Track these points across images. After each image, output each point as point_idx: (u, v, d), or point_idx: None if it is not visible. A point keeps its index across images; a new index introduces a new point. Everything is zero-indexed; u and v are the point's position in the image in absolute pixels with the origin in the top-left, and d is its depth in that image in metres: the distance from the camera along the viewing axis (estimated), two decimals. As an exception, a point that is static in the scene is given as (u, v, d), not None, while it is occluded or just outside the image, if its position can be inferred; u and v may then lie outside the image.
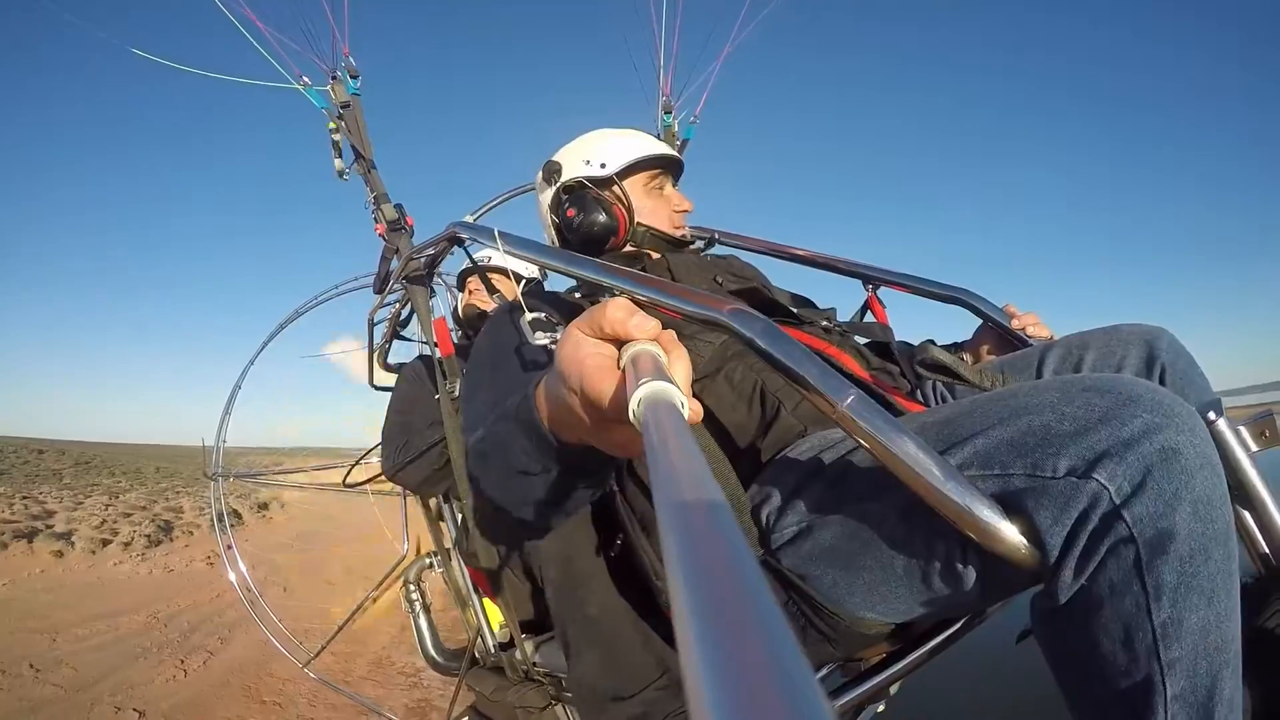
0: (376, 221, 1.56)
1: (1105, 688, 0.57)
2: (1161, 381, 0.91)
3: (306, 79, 1.51)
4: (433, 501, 2.25)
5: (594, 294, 1.16)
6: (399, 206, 1.55)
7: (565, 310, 1.11)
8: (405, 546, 2.26)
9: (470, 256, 1.36)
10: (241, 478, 2.64)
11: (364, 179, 1.55)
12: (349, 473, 2.19)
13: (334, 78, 1.48)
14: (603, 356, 0.47)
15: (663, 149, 1.28)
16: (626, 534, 0.96)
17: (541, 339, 0.77)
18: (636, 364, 0.42)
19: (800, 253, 1.56)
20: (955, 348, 1.28)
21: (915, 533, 0.67)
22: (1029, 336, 1.18)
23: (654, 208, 1.26)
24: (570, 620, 1.06)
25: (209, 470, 2.50)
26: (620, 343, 0.47)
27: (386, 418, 1.96)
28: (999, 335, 1.23)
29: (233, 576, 2.48)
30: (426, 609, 2.11)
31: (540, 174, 1.32)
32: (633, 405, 0.36)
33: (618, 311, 0.47)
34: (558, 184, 1.27)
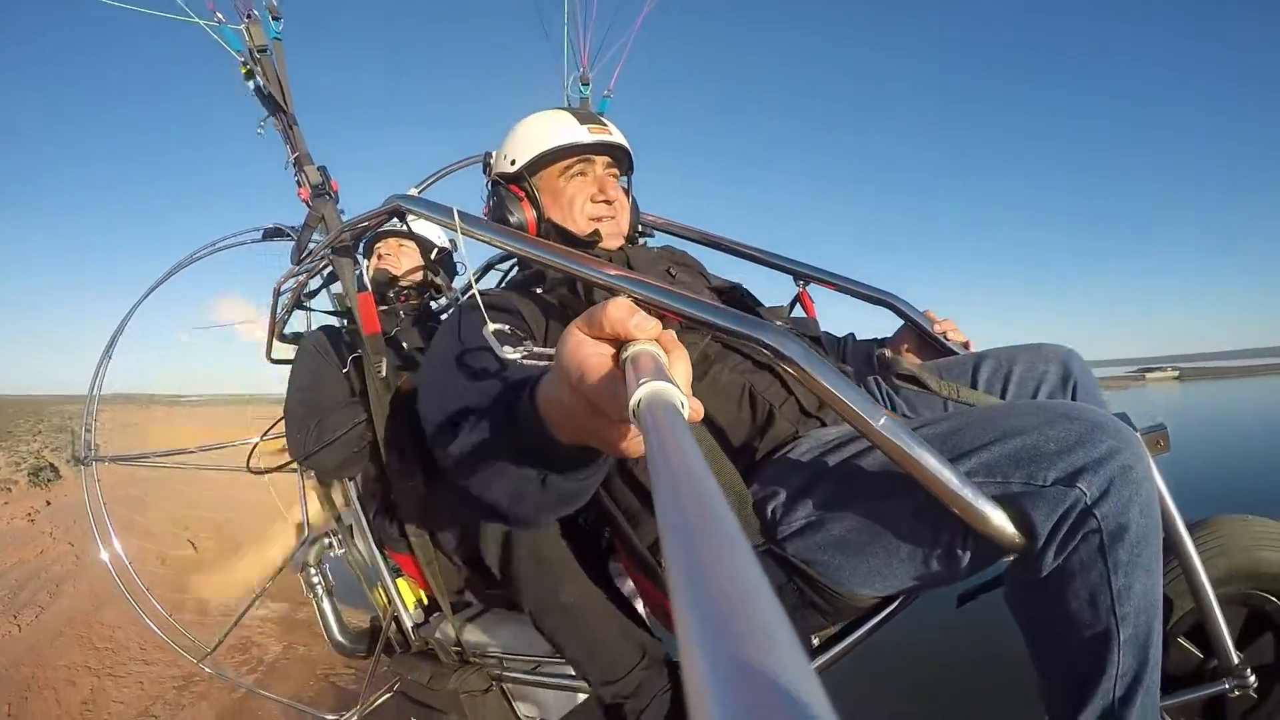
0: (299, 185, 1.40)
1: (1074, 637, 0.76)
2: (1074, 394, 1.13)
3: (220, 16, 1.29)
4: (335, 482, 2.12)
5: (553, 288, 1.16)
6: (323, 169, 1.41)
7: (515, 312, 1.09)
8: (306, 530, 2.11)
9: (411, 231, 1.28)
10: (119, 461, 2.26)
11: (283, 136, 1.38)
12: (251, 455, 1.99)
13: (249, 16, 1.29)
14: (602, 356, 0.47)
15: (572, 136, 1.18)
16: (613, 526, 1.00)
17: (510, 354, 0.78)
18: (637, 363, 0.42)
19: (735, 245, 1.63)
20: (879, 343, 1.42)
21: (924, 527, 0.81)
22: (947, 340, 1.35)
23: (566, 203, 1.20)
24: (547, 610, 1.08)
25: (77, 452, 2.14)
26: (620, 342, 0.48)
27: (289, 395, 1.79)
28: (918, 336, 1.38)
29: (104, 556, 2.15)
30: (330, 592, 2.00)
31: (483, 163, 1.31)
32: (632, 405, 0.36)
33: (619, 311, 0.47)
34: (488, 177, 1.27)
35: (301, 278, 1.60)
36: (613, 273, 0.93)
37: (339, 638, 1.95)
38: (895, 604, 0.94)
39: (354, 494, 1.90)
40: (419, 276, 2.05)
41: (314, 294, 1.80)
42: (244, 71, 1.33)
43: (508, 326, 0.83)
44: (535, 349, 0.86)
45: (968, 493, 0.73)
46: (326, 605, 1.97)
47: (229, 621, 2.35)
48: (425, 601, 1.73)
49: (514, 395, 0.65)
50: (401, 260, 1.97)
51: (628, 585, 1.34)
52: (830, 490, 0.87)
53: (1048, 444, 0.74)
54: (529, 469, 0.63)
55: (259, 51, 1.29)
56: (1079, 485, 0.72)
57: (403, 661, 1.58)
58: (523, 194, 1.20)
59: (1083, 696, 0.77)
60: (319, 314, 2.10)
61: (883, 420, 0.74)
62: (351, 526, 2.10)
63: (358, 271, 1.43)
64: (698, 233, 1.60)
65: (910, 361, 1.19)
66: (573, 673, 1.51)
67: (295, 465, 1.85)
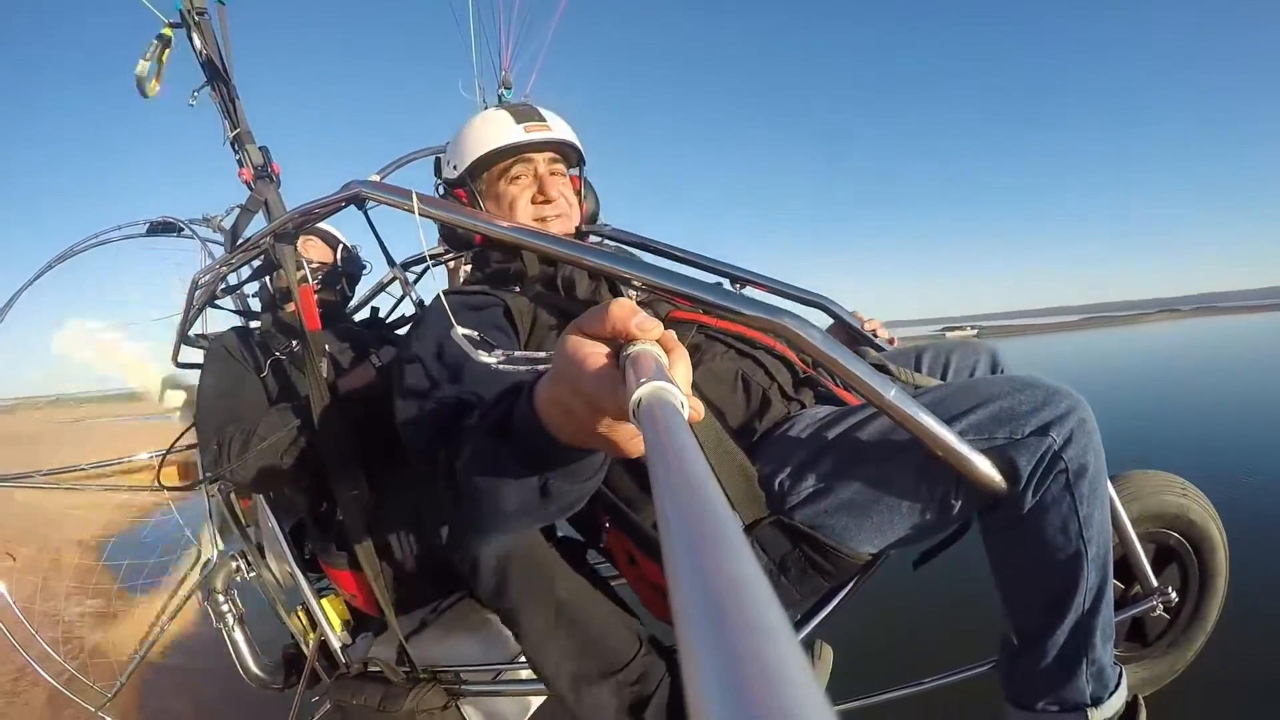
0: (240, 165, 1.26)
1: (1052, 560, 0.92)
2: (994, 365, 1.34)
3: (156, -30, 1.14)
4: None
5: (529, 286, 1.14)
6: (264, 150, 1.28)
7: (499, 304, 1.08)
8: (214, 552, 1.88)
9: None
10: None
11: (222, 109, 1.24)
12: (159, 471, 1.73)
13: (188, -28, 1.14)
14: (602, 356, 0.47)
15: (508, 137, 1.18)
16: (613, 515, 0.99)
17: (486, 358, 0.79)
18: (637, 363, 0.42)
19: (669, 249, 1.65)
20: None
21: (923, 483, 0.92)
22: (875, 338, 1.47)
23: (508, 206, 1.20)
24: (534, 608, 1.05)
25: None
26: (620, 343, 0.48)
27: (202, 402, 1.60)
28: (848, 334, 1.49)
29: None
30: (241, 620, 1.80)
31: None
32: (632, 405, 0.36)
33: (620, 310, 0.47)
34: (439, 182, 1.26)
35: (220, 270, 1.44)
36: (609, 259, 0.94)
37: (254, 669, 1.76)
38: (879, 560, 1.04)
39: (267, 509, 1.73)
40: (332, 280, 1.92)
41: (235, 289, 1.63)
42: (165, 33, 1.18)
43: (477, 333, 0.85)
44: (515, 353, 0.86)
45: (964, 448, 0.86)
46: (239, 634, 1.77)
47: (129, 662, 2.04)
48: (351, 621, 1.61)
49: (511, 398, 0.64)
50: (310, 256, 1.84)
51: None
52: (836, 458, 0.96)
53: (1021, 406, 0.89)
54: (529, 476, 0.62)
55: (198, 14, 1.15)
56: (1050, 434, 0.87)
57: (345, 686, 1.45)
58: (465, 199, 1.20)
59: (1061, 609, 0.92)
60: (227, 315, 1.91)
61: (893, 392, 0.85)
62: (261, 545, 1.91)
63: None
64: (634, 237, 1.61)
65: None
66: (529, 676, 1.46)
67: (210, 480, 1.64)
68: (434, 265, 1.78)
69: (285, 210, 1.30)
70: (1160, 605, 1.19)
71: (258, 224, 1.42)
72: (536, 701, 1.55)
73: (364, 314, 2.04)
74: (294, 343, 1.72)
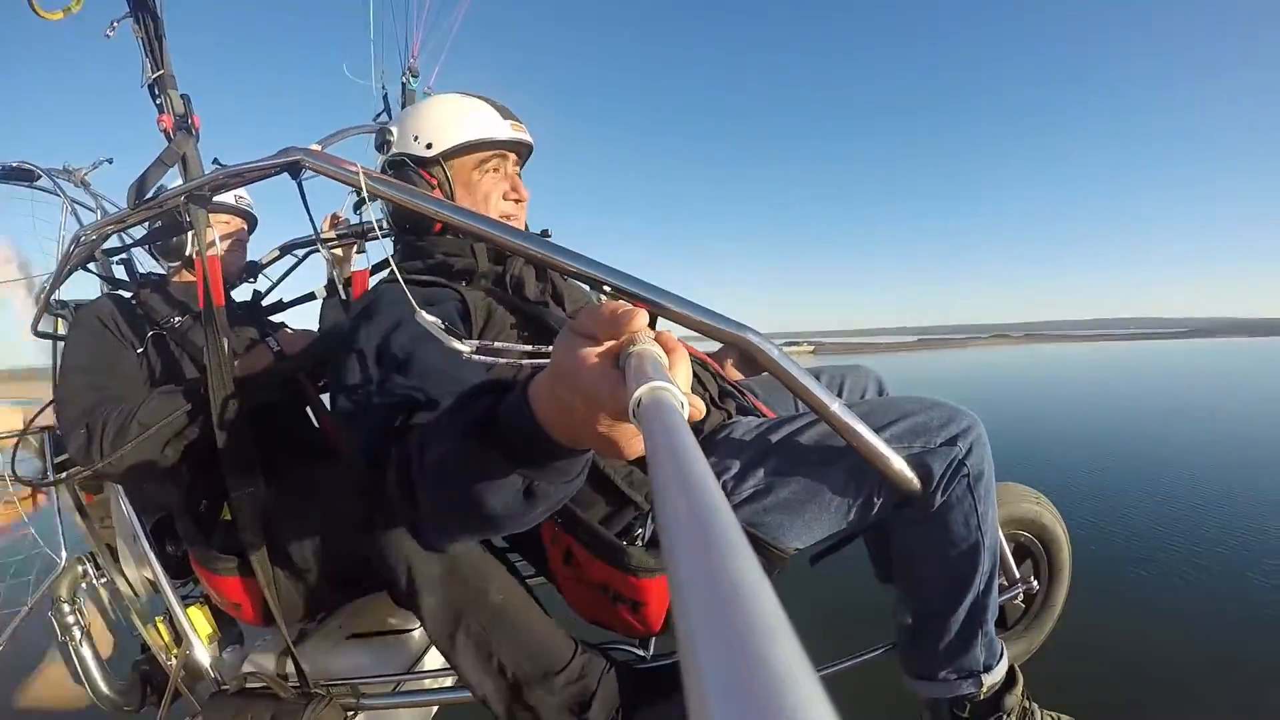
0: (160, 111, 1.12)
1: (956, 549, 1.07)
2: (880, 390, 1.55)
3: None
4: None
5: (476, 282, 1.13)
6: (186, 99, 1.15)
7: (456, 298, 1.07)
8: (64, 554, 1.61)
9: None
10: None
11: (144, 46, 1.09)
12: (14, 458, 1.44)
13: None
14: (601, 356, 0.47)
15: (495, 131, 1.18)
16: (560, 512, 0.99)
17: (459, 345, 0.82)
18: (637, 363, 0.42)
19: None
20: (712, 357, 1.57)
21: (851, 483, 1.04)
22: None
23: (481, 197, 1.18)
24: (472, 614, 1.03)
25: None
26: (617, 343, 0.48)
27: (66, 378, 1.39)
28: (740, 351, 1.59)
29: None
30: (88, 635, 1.55)
31: (375, 137, 1.23)
32: (632, 404, 0.36)
33: (619, 310, 0.48)
34: (386, 156, 1.21)
35: (107, 227, 1.26)
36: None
37: (104, 689, 1.53)
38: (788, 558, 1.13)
39: (126, 505, 1.52)
40: (239, 254, 1.76)
41: (118, 251, 1.42)
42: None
43: (441, 322, 0.85)
44: (495, 344, 0.86)
45: (891, 455, 0.99)
46: (86, 650, 1.54)
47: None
48: (218, 633, 1.45)
49: (490, 397, 0.63)
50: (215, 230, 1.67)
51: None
52: (779, 460, 1.05)
53: (933, 421, 1.05)
54: (513, 476, 0.60)
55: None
56: (958, 445, 1.03)
57: (224, 705, 1.31)
58: (435, 181, 1.17)
59: (962, 590, 1.09)
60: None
61: (836, 405, 0.96)
62: (114, 546, 1.67)
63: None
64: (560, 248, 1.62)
65: (732, 375, 1.39)
66: (433, 685, 1.40)
67: (77, 475, 1.41)
68: (327, 249, 1.68)
69: (203, 169, 1.18)
70: (1022, 593, 1.41)
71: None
72: (433, 710, 1.49)
73: (242, 294, 1.85)
74: (179, 317, 1.54)
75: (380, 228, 1.26)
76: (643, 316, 0.47)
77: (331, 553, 1.29)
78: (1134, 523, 4.40)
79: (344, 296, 1.41)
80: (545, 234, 1.34)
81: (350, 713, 1.32)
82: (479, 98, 1.22)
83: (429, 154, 1.16)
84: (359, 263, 1.74)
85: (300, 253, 1.85)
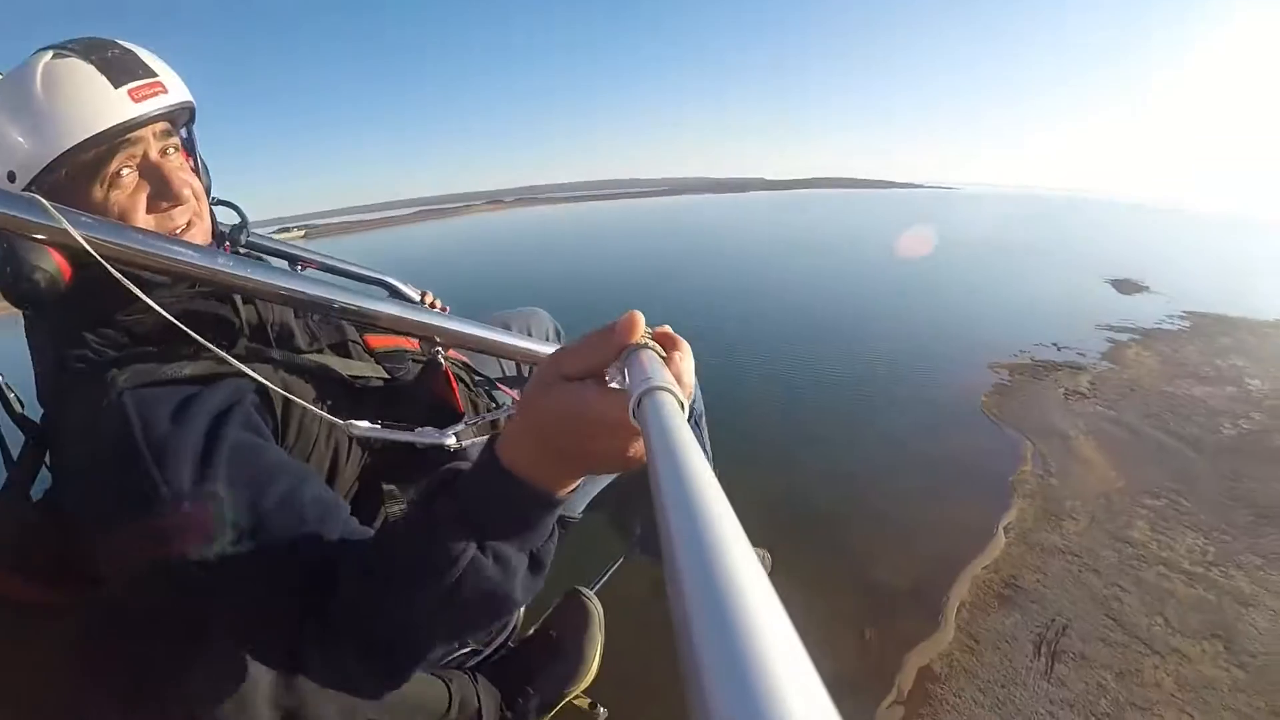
0: None
1: None
2: (560, 336, 1.57)
3: None
4: None
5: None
6: None
7: (253, 390, 0.73)
8: None
9: None
10: None
11: None
12: None
13: None
14: (593, 383, 0.46)
15: (110, 114, 0.73)
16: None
17: (447, 439, 0.76)
18: (636, 363, 0.41)
19: (309, 256, 1.34)
20: None
21: None
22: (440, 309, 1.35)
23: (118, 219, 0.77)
24: (361, 711, 0.85)
25: None
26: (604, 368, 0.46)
27: None
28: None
29: None
30: None
31: None
32: (632, 405, 0.36)
33: (608, 333, 0.45)
34: None
35: None
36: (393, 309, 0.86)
37: None
38: None
39: None
40: None
41: None
42: None
43: (334, 417, 0.74)
44: (484, 416, 0.84)
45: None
46: None
47: None
48: None
49: (455, 502, 0.54)
50: None
51: None
52: None
53: None
54: (524, 554, 0.56)
55: None
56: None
57: None
58: None
59: None
60: None
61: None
62: None
63: None
64: (276, 244, 1.32)
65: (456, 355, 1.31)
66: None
67: None
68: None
69: None
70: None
71: None
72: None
73: None
74: None
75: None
76: (638, 325, 0.45)
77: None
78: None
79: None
80: (243, 232, 1.02)
81: None
82: (69, 53, 0.74)
83: (13, 188, 0.72)
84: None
85: None
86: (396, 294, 1.37)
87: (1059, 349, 5.89)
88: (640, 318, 0.45)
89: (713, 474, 0.26)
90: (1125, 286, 9.48)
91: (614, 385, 0.45)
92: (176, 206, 0.80)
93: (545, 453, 0.49)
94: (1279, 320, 7.60)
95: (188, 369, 0.70)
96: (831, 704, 0.15)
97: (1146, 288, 9.36)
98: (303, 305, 0.80)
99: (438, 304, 1.39)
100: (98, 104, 0.72)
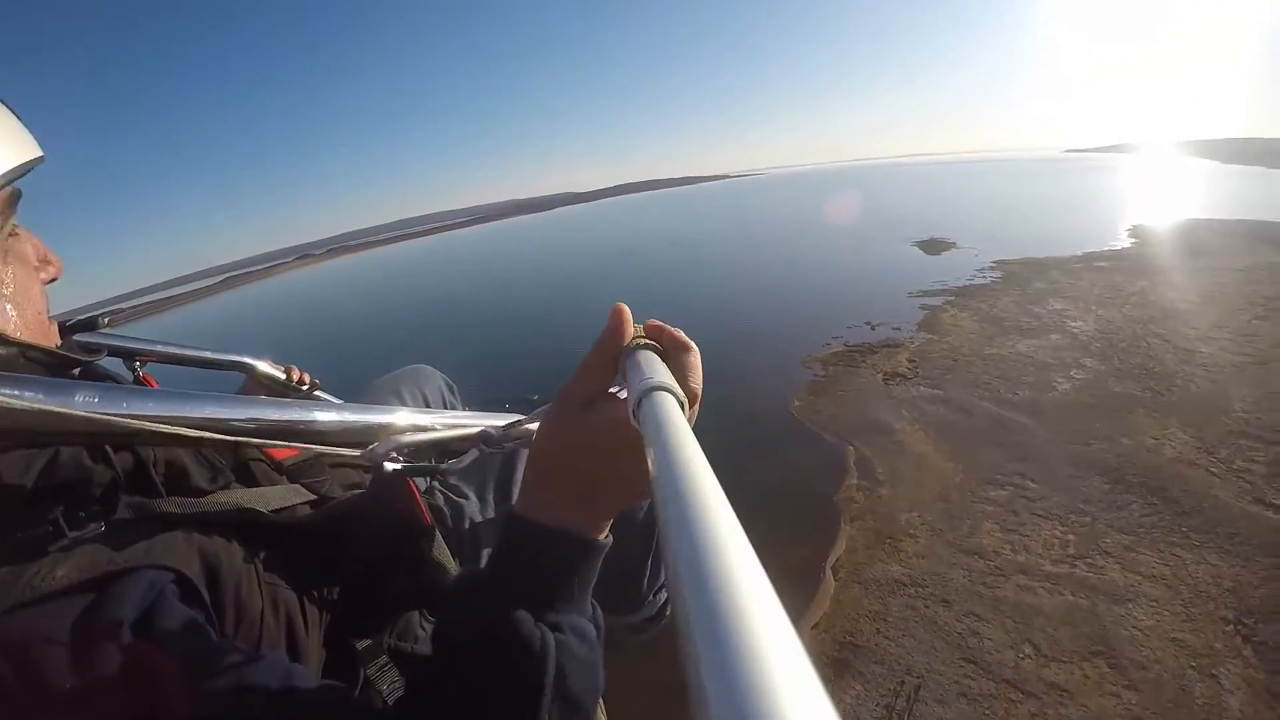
0: None
1: (641, 511, 1.16)
2: (454, 392, 1.47)
3: None
4: None
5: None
6: None
7: (174, 571, 0.53)
8: None
9: None
10: None
11: None
12: None
13: None
14: (602, 400, 0.46)
15: (22, 150, 0.60)
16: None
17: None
18: (636, 364, 0.41)
19: (166, 350, 1.21)
20: None
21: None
22: (304, 386, 1.30)
23: (21, 289, 0.61)
24: None
25: None
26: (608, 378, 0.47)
27: None
28: (271, 389, 1.27)
29: None
30: None
31: None
32: (632, 405, 0.35)
33: (600, 350, 0.45)
34: None
35: None
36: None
37: None
38: None
39: None
40: None
41: None
42: None
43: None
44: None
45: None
46: None
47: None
48: None
49: (503, 599, 0.46)
50: None
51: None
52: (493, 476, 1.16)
53: None
54: (590, 618, 0.50)
55: None
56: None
57: None
58: None
59: (649, 534, 1.15)
60: None
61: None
62: None
63: None
64: (128, 339, 1.24)
65: None
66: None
67: None
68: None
69: None
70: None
71: None
72: None
73: None
74: None
75: None
76: (626, 325, 0.45)
77: None
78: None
79: None
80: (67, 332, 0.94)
81: None
82: None
83: None
84: None
85: None
86: (260, 376, 1.25)
87: (873, 328, 5.89)
88: (626, 314, 0.46)
89: (713, 476, 0.25)
90: (932, 246, 10.14)
91: (622, 394, 0.45)
92: (55, 278, 0.68)
93: (567, 490, 0.47)
94: (1085, 254, 8.30)
95: (61, 570, 0.48)
96: (832, 705, 0.15)
97: (954, 244, 10.04)
98: (217, 443, 0.60)
99: (306, 379, 1.29)
100: (12, 141, 0.60)
